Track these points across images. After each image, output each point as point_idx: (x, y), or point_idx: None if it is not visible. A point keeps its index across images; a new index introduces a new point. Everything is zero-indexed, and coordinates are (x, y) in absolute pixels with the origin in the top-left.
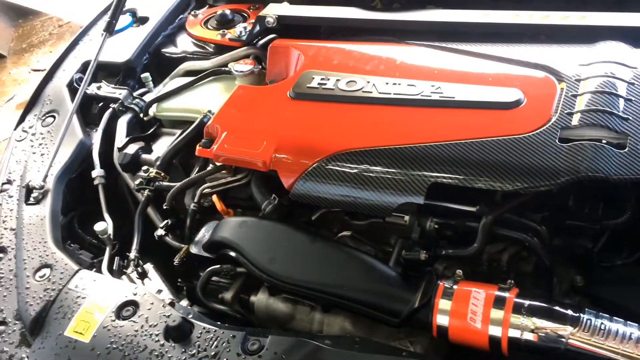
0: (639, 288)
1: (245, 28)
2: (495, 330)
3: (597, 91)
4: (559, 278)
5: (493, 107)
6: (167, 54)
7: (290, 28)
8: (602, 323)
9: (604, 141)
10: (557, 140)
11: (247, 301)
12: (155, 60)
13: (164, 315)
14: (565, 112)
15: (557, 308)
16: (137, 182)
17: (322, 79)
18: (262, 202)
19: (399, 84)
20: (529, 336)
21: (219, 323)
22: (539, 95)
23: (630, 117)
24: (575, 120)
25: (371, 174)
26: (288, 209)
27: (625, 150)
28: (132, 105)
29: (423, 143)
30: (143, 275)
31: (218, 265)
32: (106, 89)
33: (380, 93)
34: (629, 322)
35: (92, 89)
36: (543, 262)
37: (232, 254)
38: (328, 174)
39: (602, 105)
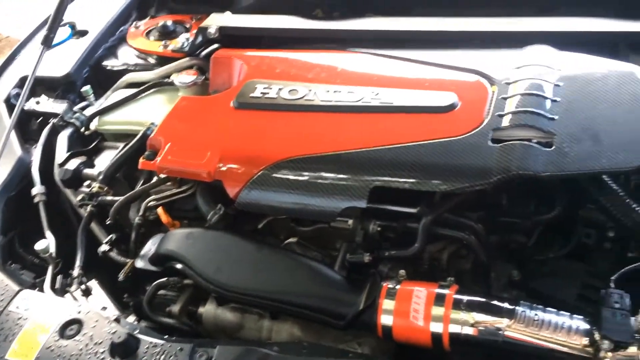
0: (571, 279)
1: (187, 39)
2: (436, 327)
3: (526, 93)
4: (497, 273)
5: (430, 111)
6: (108, 67)
7: (233, 38)
8: (536, 314)
9: (533, 141)
10: (489, 141)
11: (195, 313)
12: (96, 73)
13: (109, 332)
14: (497, 114)
15: (494, 302)
16: (79, 197)
17: (264, 88)
18: (208, 212)
19: (340, 91)
20: (468, 330)
21: (166, 337)
22: (473, 98)
23: (557, 117)
24: (506, 121)
25: (315, 180)
26: (234, 218)
27: (552, 148)
28: (72, 120)
29: (364, 148)
30: (87, 293)
31: (165, 279)
32: (45, 104)
33: (322, 100)
34: (561, 312)
35: (31, 104)
36: (480, 258)
37: (179, 266)
38: (272, 182)
39: (531, 107)
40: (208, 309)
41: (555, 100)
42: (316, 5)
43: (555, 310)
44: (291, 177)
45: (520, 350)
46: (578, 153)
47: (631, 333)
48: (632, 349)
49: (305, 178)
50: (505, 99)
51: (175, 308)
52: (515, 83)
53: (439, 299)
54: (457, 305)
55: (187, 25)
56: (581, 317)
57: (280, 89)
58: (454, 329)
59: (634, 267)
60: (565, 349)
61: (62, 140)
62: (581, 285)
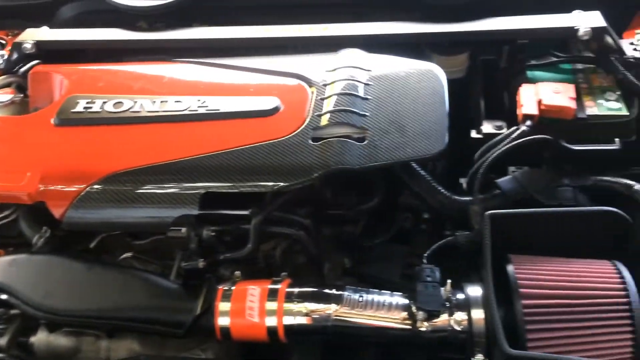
0: (395, 260)
1: (2, 56)
2: (271, 321)
3: (340, 93)
4: (332, 263)
5: (255, 115)
6: None
7: (54, 53)
8: (360, 296)
9: (349, 137)
10: (310, 140)
11: (27, 343)
12: None
13: None
14: (316, 114)
15: (323, 291)
16: None
17: (87, 102)
18: (33, 236)
19: (167, 101)
20: (301, 320)
21: None
22: (294, 101)
23: (368, 114)
24: (324, 120)
25: (145, 192)
26: (64, 239)
27: (365, 142)
28: None
29: (193, 156)
30: None
31: None
32: None
33: (148, 112)
34: (382, 291)
35: None
36: (311, 252)
37: (3, 296)
38: (101, 197)
39: (345, 105)
40: (40, 337)
41: (366, 99)
42: (139, 17)
43: (377, 290)
44: (120, 190)
45: (348, 332)
46: (387, 145)
47: (441, 302)
48: (444, 316)
49: (135, 190)
50: (323, 99)
51: (3, 341)
52: (332, 84)
53: (272, 294)
54: (289, 298)
55: (3, 42)
56: (400, 293)
57: (104, 103)
58: (287, 320)
59: (442, 243)
60: (387, 324)
61: None
62: (404, 265)
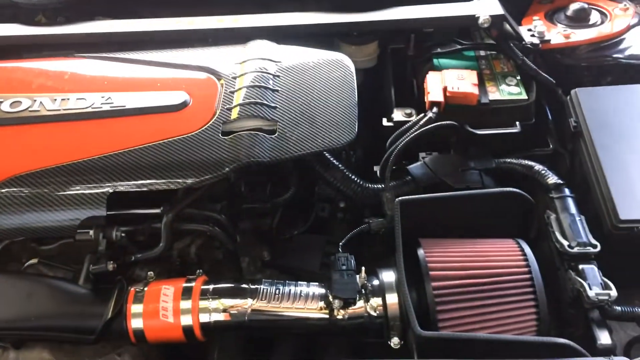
0: (314, 250)
1: None
2: (186, 320)
3: (250, 86)
4: (251, 257)
5: (162, 111)
6: None
7: None
8: (277, 289)
9: (260, 130)
10: (220, 134)
11: None
12: None
13: None
14: (226, 107)
15: (238, 285)
16: None
17: None
18: None
19: (69, 99)
20: (218, 317)
21: None
22: (203, 95)
23: (278, 105)
24: (234, 114)
25: (49, 195)
26: None
27: (275, 135)
28: None
29: (98, 155)
30: None
31: None
32: None
33: (49, 110)
34: (299, 282)
35: None
36: (227, 247)
37: None
38: (1, 202)
39: (255, 98)
40: None
41: (275, 90)
42: (38, 11)
43: (294, 282)
44: (22, 194)
45: (266, 325)
46: (298, 136)
47: (357, 289)
48: (360, 303)
49: (38, 193)
50: (232, 92)
51: None
52: (241, 77)
53: (186, 293)
54: (205, 295)
55: None
56: (317, 283)
57: (0, 103)
58: (204, 318)
59: (356, 231)
60: (305, 315)
61: None
62: (323, 254)
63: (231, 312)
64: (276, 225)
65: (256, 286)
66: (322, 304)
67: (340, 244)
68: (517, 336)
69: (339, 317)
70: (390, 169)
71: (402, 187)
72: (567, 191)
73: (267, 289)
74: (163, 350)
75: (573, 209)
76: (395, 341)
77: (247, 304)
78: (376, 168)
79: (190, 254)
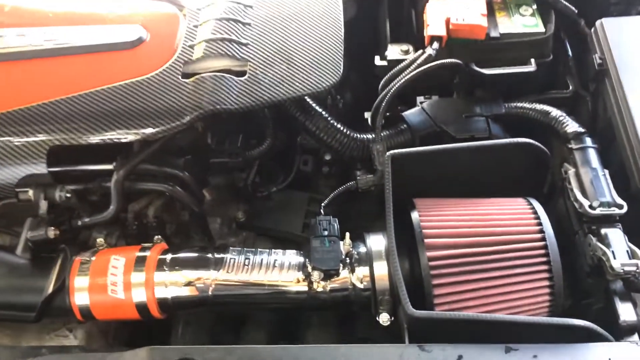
0: (295, 209)
1: None
2: (139, 296)
3: (218, 18)
4: (224, 217)
5: (114, 48)
6: None
7: None
8: (246, 258)
9: (228, 71)
10: (180, 77)
11: None
12: None
13: None
14: (188, 44)
15: (201, 254)
16: None
17: None
18: None
19: (4, 36)
20: (177, 292)
21: None
22: (162, 29)
23: (249, 42)
24: (198, 52)
25: None
26: None
27: (246, 77)
28: None
29: (39, 102)
30: None
31: None
32: None
33: None
34: (274, 250)
35: None
36: (191, 208)
37: None
38: None
39: (222, 33)
40: None
41: (247, 24)
42: None
43: (267, 250)
44: None
45: (233, 300)
46: (273, 79)
47: (339, 258)
48: (344, 273)
49: None
50: (196, 26)
51: None
52: (207, 7)
53: (140, 263)
54: (161, 266)
55: None
56: (295, 251)
57: None
58: (160, 293)
59: (341, 190)
60: (279, 288)
61: None
62: (306, 213)
63: (192, 286)
64: (252, 181)
65: (222, 255)
66: (300, 274)
67: (323, 204)
68: (529, 317)
69: (320, 289)
70: (382, 115)
71: (396, 137)
72: (589, 141)
73: (235, 258)
74: (123, 324)
75: (596, 162)
76: (384, 318)
77: (210, 276)
78: (367, 115)
79: (148, 217)
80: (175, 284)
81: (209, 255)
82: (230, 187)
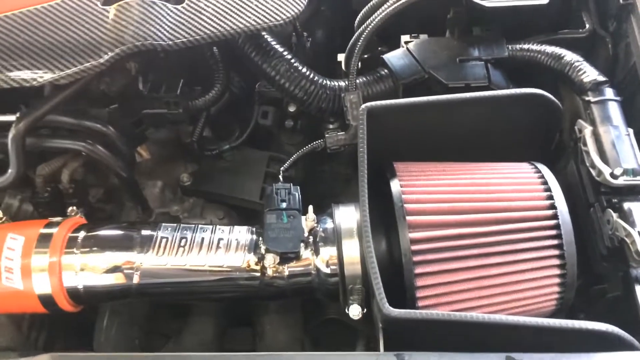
0: (253, 171)
1: None
2: (42, 285)
3: None
4: (166, 181)
5: None
6: None
7: None
8: (182, 237)
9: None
10: (99, 5)
11: None
12: None
13: None
14: None
15: (124, 232)
16: None
17: None
18: None
19: None
20: (91, 279)
21: None
22: None
23: None
24: None
25: None
26: None
27: (183, 4)
28: None
29: None
30: None
31: None
32: None
33: None
34: (218, 226)
35: None
36: (115, 171)
37: None
38: None
39: None
40: None
41: None
42: None
43: (210, 226)
44: None
45: (165, 292)
46: (217, 8)
47: (300, 238)
48: (306, 254)
49: None
50: None
51: None
52: None
53: (43, 243)
54: (71, 247)
55: None
56: (247, 227)
57: None
58: (69, 281)
59: (308, 149)
60: (224, 275)
61: None
62: (267, 176)
63: (113, 272)
64: (200, 137)
65: (150, 232)
66: (251, 257)
67: (281, 169)
68: (537, 319)
69: (276, 275)
70: (358, 58)
71: (375, 85)
72: (610, 92)
73: (167, 237)
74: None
75: (618, 118)
76: (354, 311)
77: (135, 260)
78: (341, 57)
79: (62, 182)
80: (89, 269)
81: (134, 233)
82: (175, 143)
